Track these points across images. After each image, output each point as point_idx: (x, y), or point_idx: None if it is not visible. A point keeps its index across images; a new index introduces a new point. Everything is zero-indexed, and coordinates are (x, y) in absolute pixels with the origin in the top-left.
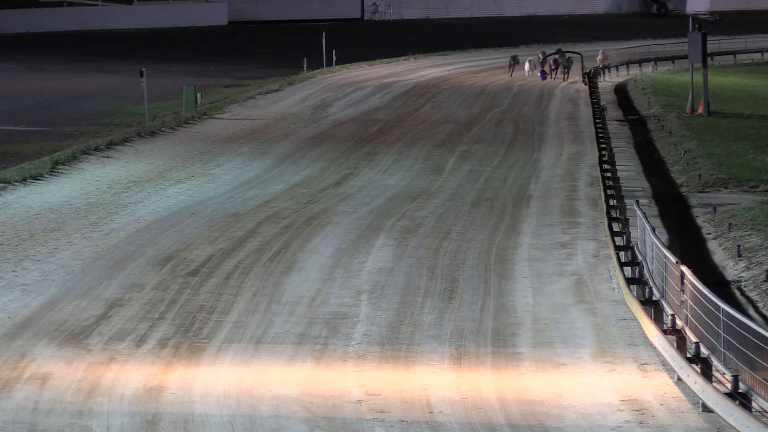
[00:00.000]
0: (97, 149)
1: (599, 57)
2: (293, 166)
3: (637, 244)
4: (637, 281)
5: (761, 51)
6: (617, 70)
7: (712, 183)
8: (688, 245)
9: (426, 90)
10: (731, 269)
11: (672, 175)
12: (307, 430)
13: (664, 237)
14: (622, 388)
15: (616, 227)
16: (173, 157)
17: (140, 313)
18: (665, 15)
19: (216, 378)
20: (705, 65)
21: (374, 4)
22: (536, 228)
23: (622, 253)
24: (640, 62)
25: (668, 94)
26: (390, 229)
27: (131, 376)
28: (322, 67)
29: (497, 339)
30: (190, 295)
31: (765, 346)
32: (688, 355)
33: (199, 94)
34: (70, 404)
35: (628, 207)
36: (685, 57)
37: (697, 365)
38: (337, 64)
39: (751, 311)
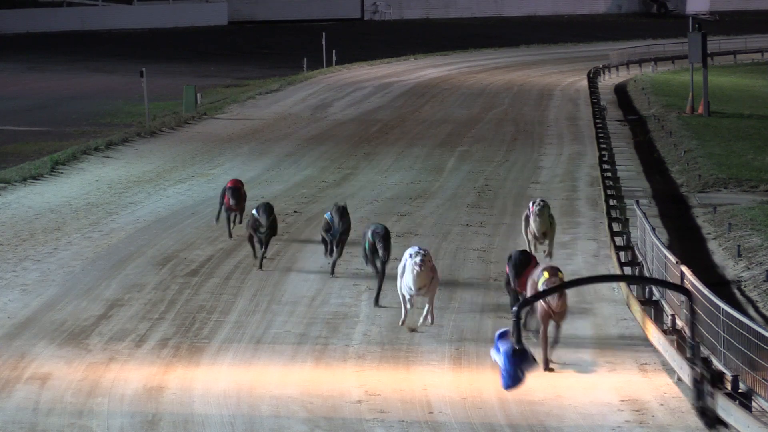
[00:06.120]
0: (97, 149)
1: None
2: (293, 166)
3: (637, 244)
4: None
5: (761, 51)
6: (617, 70)
7: (712, 183)
8: (688, 245)
9: (426, 90)
10: (731, 269)
11: (672, 175)
12: (307, 430)
13: (664, 237)
14: (622, 388)
15: (616, 227)
16: (173, 157)
17: (140, 313)
18: (665, 15)
19: (216, 378)
20: (705, 65)
21: (374, 4)
22: None
23: (622, 253)
24: (640, 62)
25: (668, 94)
26: (390, 229)
27: (131, 376)
28: (322, 67)
29: None
30: (190, 295)
31: (765, 346)
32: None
33: (199, 94)
34: (70, 404)
35: (628, 207)
36: (685, 57)
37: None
38: (337, 64)
39: (751, 311)
